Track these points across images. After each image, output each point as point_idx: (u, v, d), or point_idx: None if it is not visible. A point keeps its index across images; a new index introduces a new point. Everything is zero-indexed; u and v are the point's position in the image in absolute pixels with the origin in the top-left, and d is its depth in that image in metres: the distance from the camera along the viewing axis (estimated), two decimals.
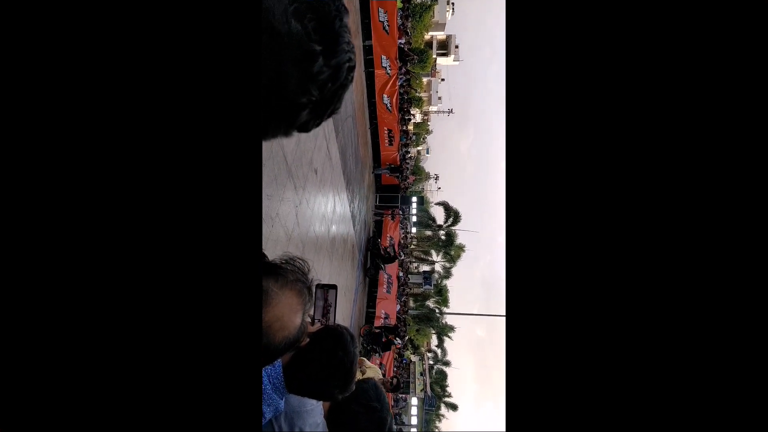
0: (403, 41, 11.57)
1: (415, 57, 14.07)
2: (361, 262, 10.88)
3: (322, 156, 6.20)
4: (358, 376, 0.99)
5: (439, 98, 33.09)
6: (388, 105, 11.79)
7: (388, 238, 12.61)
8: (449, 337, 26.26)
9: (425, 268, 24.53)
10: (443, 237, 23.37)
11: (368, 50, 10.56)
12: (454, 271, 24.13)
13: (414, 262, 23.49)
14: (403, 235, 15.35)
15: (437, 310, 23.75)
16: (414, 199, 16.94)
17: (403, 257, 14.74)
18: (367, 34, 10.27)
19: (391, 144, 12.95)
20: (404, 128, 13.79)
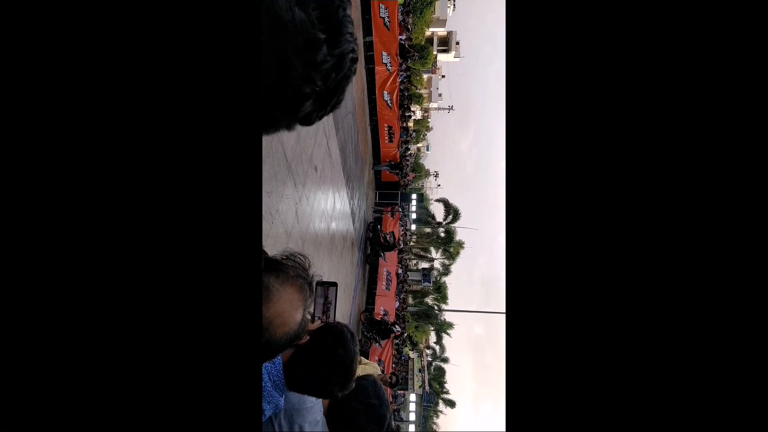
0: (403, 37, 11.55)
1: (416, 53, 14.05)
2: (361, 250, 10.92)
3: (322, 152, 6.20)
4: (358, 372, 0.99)
5: (440, 95, 33.10)
6: (389, 101, 11.78)
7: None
8: (448, 334, 26.41)
9: (424, 265, 24.61)
10: (442, 234, 23.42)
11: (369, 46, 10.54)
12: (453, 268, 24.23)
13: (413, 259, 23.55)
14: (402, 232, 15.38)
15: (436, 307, 23.84)
16: (414, 196, 16.95)
17: (402, 245, 14.78)
18: (367, 30, 10.25)
19: (391, 141, 12.95)
20: (404, 125, 13.79)
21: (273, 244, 3.82)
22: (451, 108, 33.86)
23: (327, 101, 0.43)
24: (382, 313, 11.19)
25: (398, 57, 11.22)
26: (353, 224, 9.51)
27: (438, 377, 28.18)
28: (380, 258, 11.87)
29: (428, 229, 24.06)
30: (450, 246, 23.31)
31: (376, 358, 9.96)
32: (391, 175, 14.17)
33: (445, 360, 28.82)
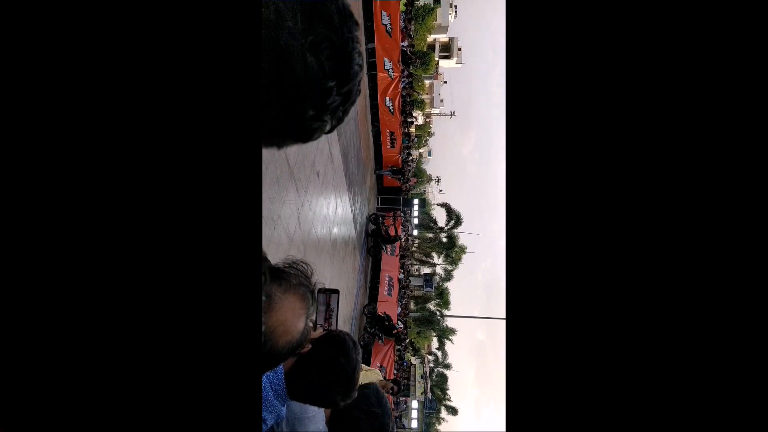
0: (405, 44, 11.60)
1: (418, 60, 14.11)
2: (364, 242, 10.93)
3: (325, 158, 6.21)
4: (360, 380, 0.98)
5: (441, 101, 33.20)
6: (391, 107, 11.81)
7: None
8: (450, 340, 26.25)
9: (426, 270, 24.55)
10: (444, 239, 23.38)
11: (371, 53, 10.60)
12: (455, 273, 24.17)
13: (415, 264, 23.51)
14: (404, 237, 15.37)
15: (438, 313, 23.74)
16: (416, 201, 16.97)
17: (404, 237, 14.76)
18: (370, 36, 10.31)
19: (393, 146, 12.97)
20: (406, 131, 13.82)
21: (275, 250, 3.81)
22: (452, 113, 33.96)
23: (332, 127, 0.46)
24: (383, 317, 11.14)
25: (400, 63, 11.28)
26: (355, 229, 9.51)
27: (440, 383, 28.00)
28: (383, 251, 11.84)
29: (430, 234, 24.02)
30: (452, 251, 23.26)
31: (378, 363, 9.90)
32: (393, 181, 14.20)
33: (448, 366, 28.66)
